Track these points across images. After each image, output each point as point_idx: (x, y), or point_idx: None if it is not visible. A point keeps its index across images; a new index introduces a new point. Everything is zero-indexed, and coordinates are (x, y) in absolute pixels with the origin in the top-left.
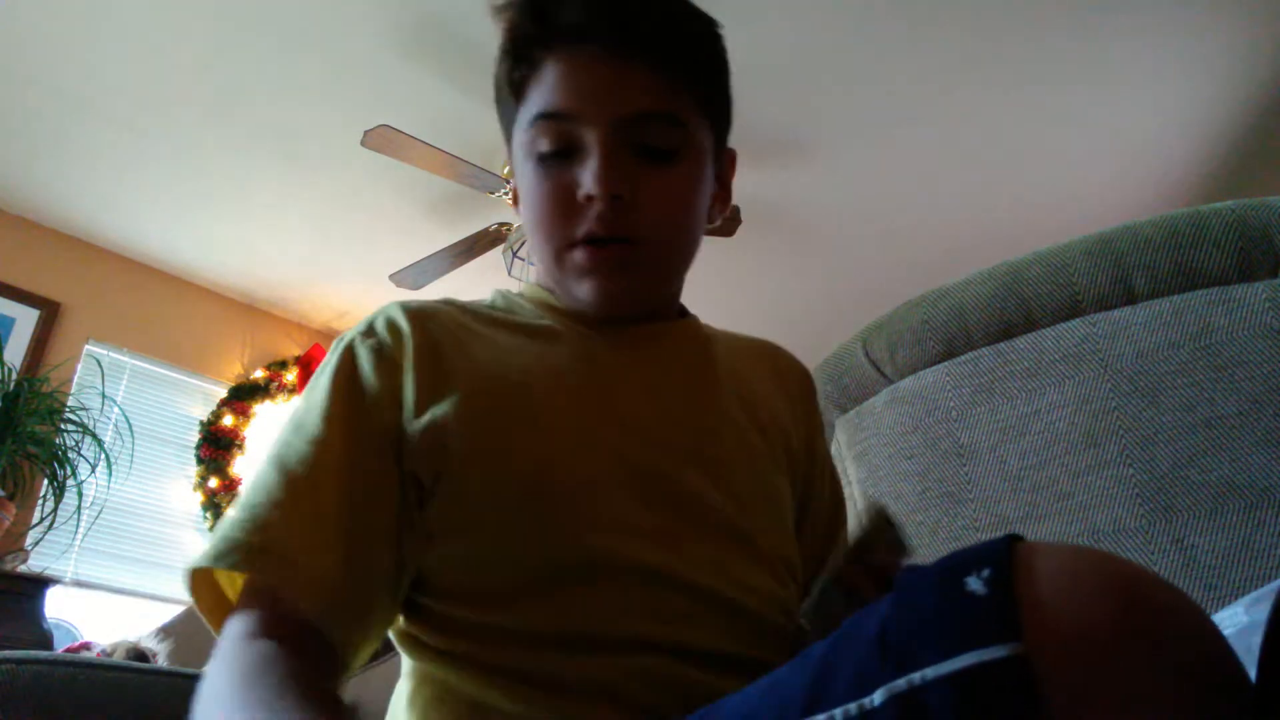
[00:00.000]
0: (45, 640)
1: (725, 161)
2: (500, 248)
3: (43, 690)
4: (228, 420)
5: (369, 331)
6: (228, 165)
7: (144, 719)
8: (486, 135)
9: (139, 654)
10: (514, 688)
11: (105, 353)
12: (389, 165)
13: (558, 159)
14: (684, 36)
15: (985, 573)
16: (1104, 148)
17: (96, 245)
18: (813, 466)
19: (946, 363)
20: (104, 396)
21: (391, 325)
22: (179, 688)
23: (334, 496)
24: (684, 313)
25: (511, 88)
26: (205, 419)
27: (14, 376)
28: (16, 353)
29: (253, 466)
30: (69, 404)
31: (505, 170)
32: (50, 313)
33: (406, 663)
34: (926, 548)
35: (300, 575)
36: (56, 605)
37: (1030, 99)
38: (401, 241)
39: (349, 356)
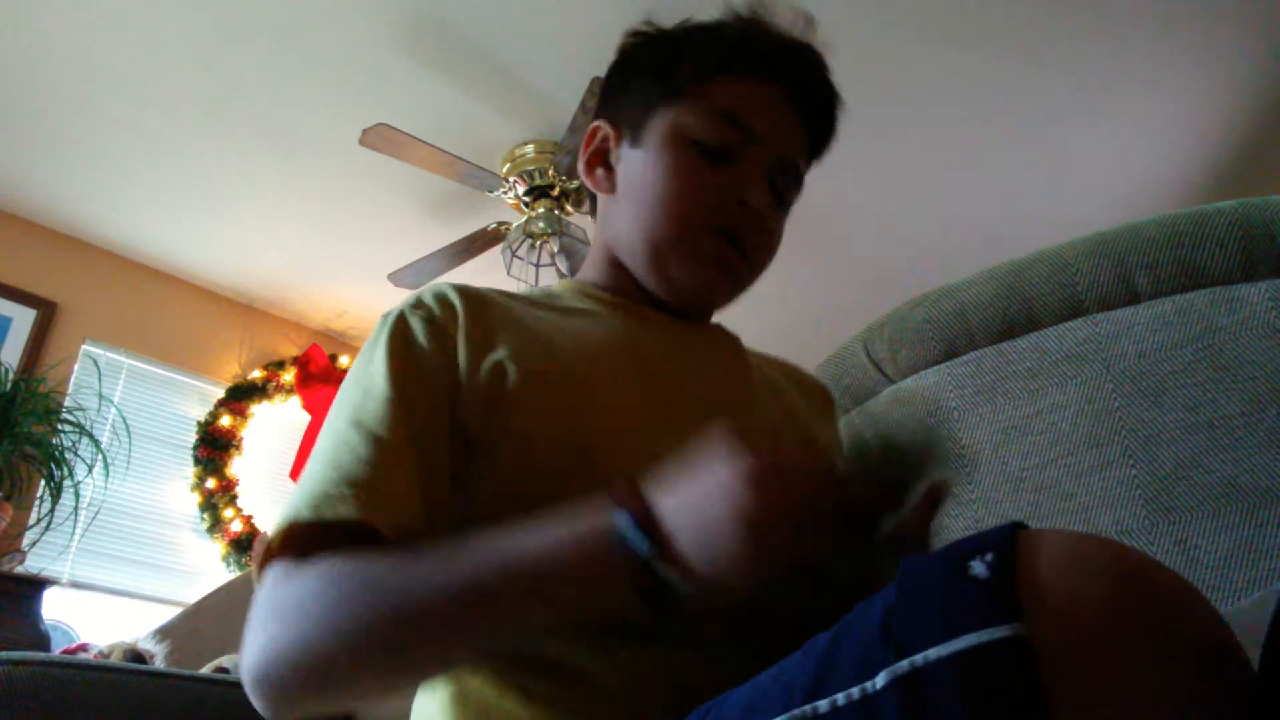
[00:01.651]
0: (42, 641)
1: None
2: (499, 247)
3: (39, 691)
4: (225, 421)
5: (418, 304)
6: (225, 165)
7: None
8: (485, 134)
9: (136, 655)
10: (531, 689)
11: (102, 353)
12: (387, 164)
13: (706, 155)
14: (835, 130)
15: (989, 557)
16: (1105, 147)
17: (94, 245)
18: None
19: (948, 363)
20: (101, 397)
21: (441, 298)
22: (176, 689)
23: (410, 451)
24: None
25: (697, 65)
26: (203, 419)
27: (11, 377)
28: (13, 353)
29: (325, 431)
30: (66, 404)
31: (504, 169)
32: (47, 313)
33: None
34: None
35: (397, 521)
36: (53, 606)
37: (1031, 99)
38: (400, 241)
39: (401, 324)
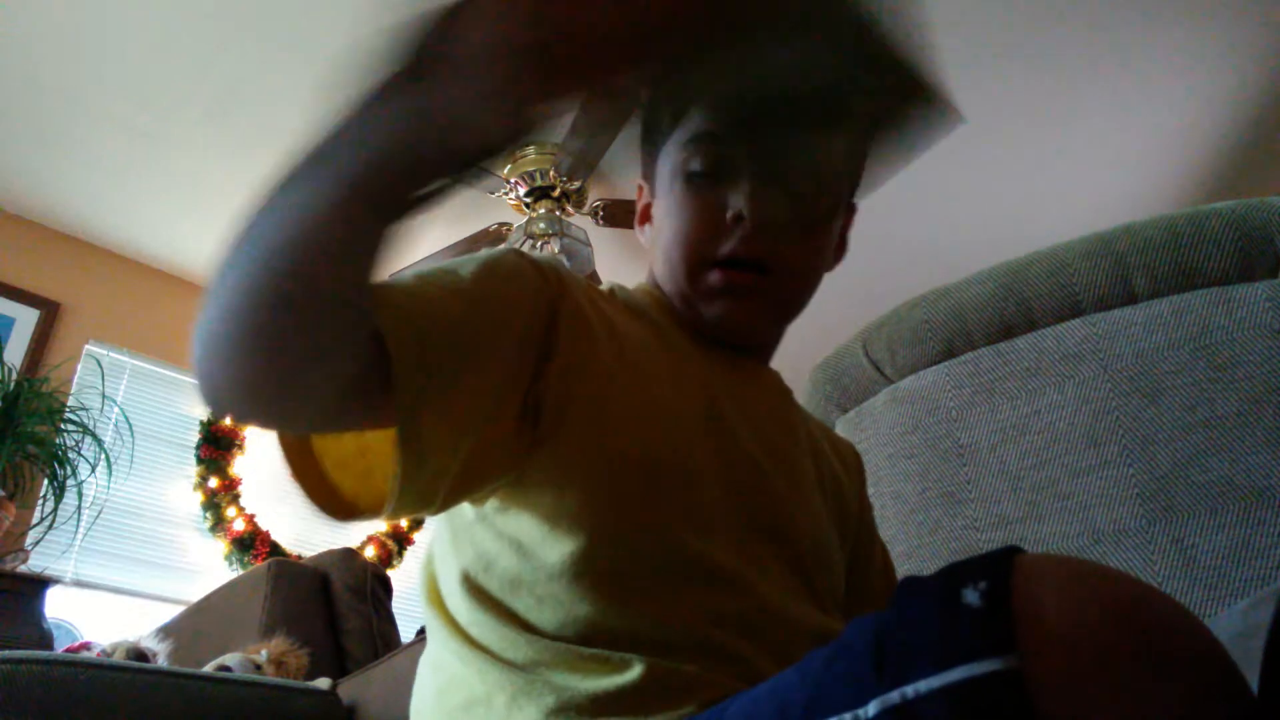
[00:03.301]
0: (45, 640)
1: (848, 214)
2: (500, 248)
3: (42, 690)
4: (228, 420)
5: (524, 254)
6: (228, 165)
7: (144, 719)
8: None
9: (139, 654)
10: (541, 696)
11: (105, 353)
12: None
13: (707, 180)
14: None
15: (982, 585)
16: (1103, 148)
17: (96, 245)
18: (860, 539)
19: (946, 363)
20: (104, 396)
21: (548, 261)
22: (179, 688)
23: (455, 308)
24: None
25: (672, 110)
26: (205, 419)
27: (14, 377)
28: (16, 353)
29: None
30: (69, 404)
31: (505, 170)
32: (50, 313)
33: (438, 668)
34: (926, 547)
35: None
36: (57, 605)
37: (1030, 99)
38: (401, 241)
39: (510, 254)
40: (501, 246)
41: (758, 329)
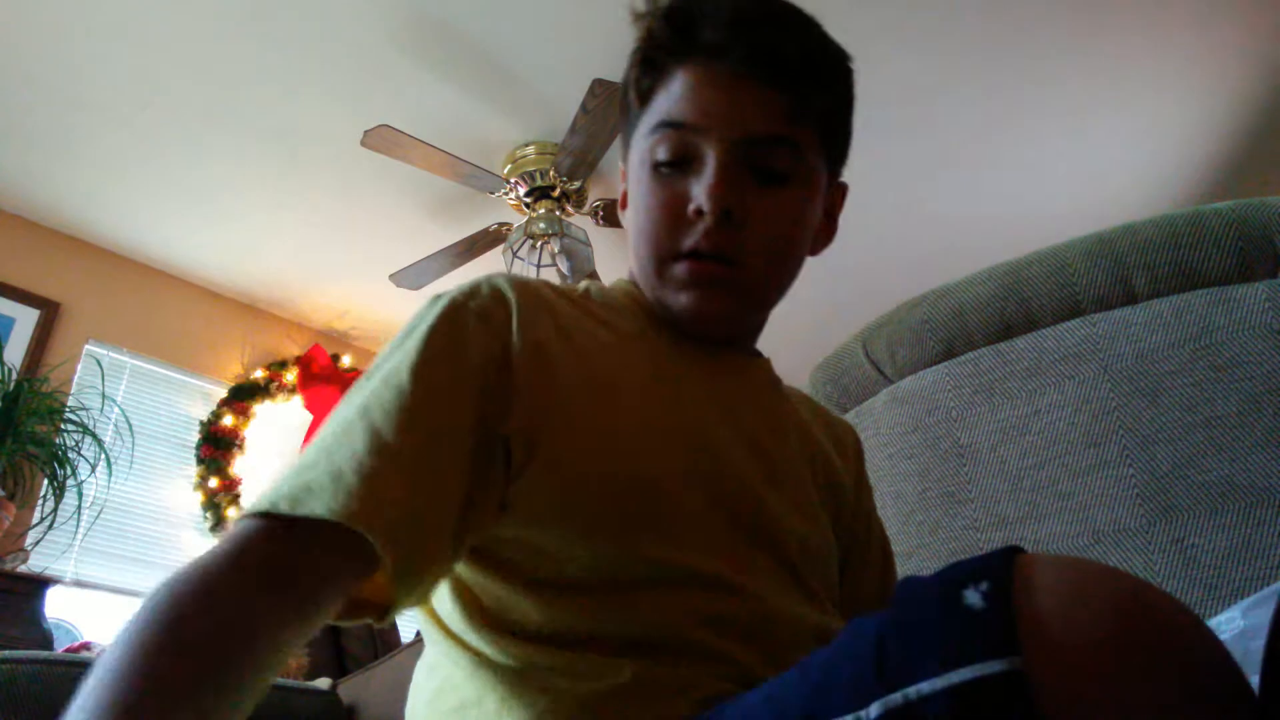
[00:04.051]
0: (46, 640)
1: (835, 195)
2: (500, 248)
3: (42, 690)
4: (228, 420)
5: (473, 294)
6: (228, 165)
7: None
8: (487, 135)
9: None
10: (535, 700)
11: (105, 353)
12: (389, 165)
13: (673, 169)
14: (816, 67)
15: (984, 586)
16: (1105, 148)
17: (96, 245)
18: (857, 525)
19: (947, 363)
20: (104, 396)
21: (498, 293)
22: None
23: (412, 455)
24: (756, 353)
25: (638, 93)
26: (205, 419)
27: (14, 377)
28: (16, 353)
29: (334, 412)
30: (69, 404)
31: (505, 170)
32: (50, 313)
33: (433, 670)
34: (926, 547)
35: (379, 532)
36: (57, 605)
37: (1029, 99)
38: (401, 241)
39: (451, 315)
40: (438, 307)
41: (727, 319)
